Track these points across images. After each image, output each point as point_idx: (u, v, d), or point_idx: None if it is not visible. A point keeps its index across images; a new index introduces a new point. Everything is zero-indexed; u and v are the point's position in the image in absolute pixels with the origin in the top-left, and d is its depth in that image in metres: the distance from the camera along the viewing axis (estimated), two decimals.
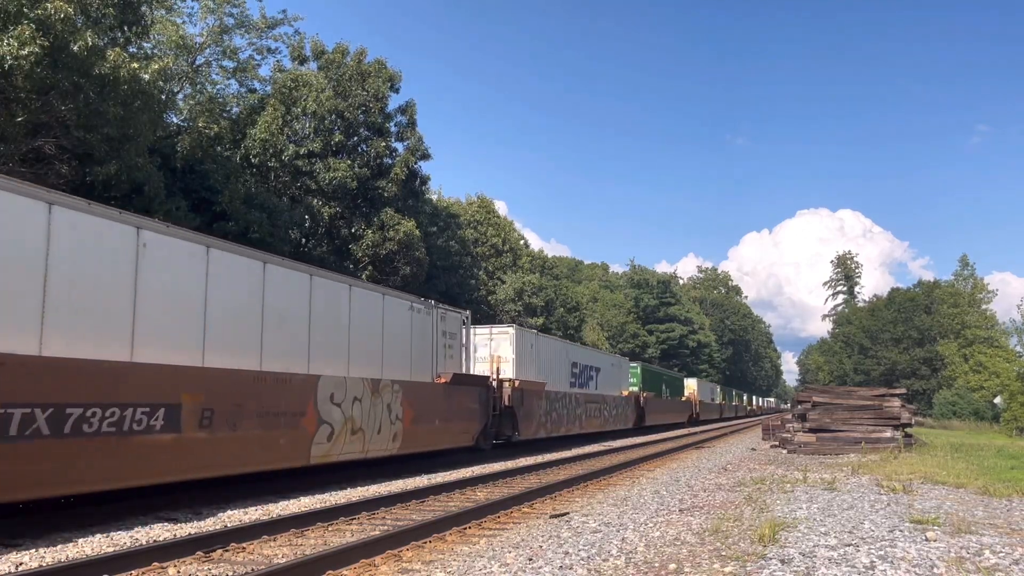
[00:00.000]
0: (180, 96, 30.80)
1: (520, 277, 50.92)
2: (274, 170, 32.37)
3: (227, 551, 7.98)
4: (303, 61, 36.11)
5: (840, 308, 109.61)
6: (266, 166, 31.92)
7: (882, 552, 7.37)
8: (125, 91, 19.48)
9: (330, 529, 9.47)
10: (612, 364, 36.59)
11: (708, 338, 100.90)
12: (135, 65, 19.56)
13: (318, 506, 11.13)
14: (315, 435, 13.27)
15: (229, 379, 11.39)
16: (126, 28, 20.38)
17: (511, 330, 23.71)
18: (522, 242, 59.23)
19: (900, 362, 76.32)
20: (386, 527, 9.51)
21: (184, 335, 10.90)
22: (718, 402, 71.95)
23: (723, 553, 7.39)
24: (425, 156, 37.43)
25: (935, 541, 7.93)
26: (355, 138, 35.15)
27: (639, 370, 42.86)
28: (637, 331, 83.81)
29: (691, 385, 58.64)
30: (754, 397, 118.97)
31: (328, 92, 33.29)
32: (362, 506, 10.93)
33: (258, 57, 33.50)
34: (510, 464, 18.94)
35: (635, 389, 40.12)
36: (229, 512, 10.72)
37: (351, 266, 33.47)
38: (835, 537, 8.24)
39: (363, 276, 32.32)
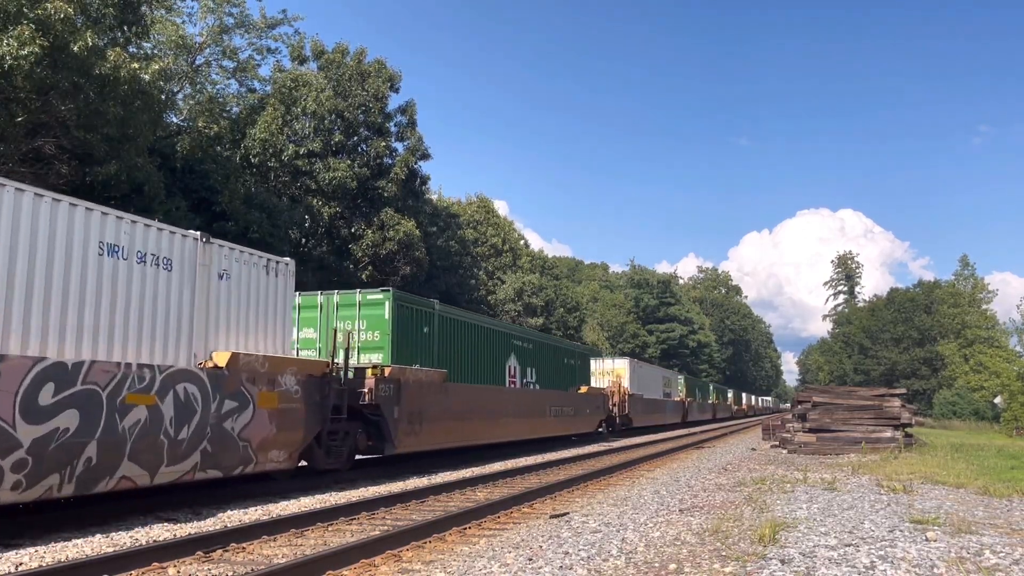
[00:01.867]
0: (180, 96, 30.84)
1: (520, 277, 50.96)
2: (274, 170, 32.39)
3: (227, 551, 7.97)
4: (303, 61, 36.15)
5: (840, 308, 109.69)
6: (266, 166, 31.94)
7: (882, 552, 7.37)
8: (125, 91, 19.50)
9: (330, 529, 9.47)
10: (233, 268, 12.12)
11: (708, 338, 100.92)
12: (135, 65, 19.57)
13: (318, 506, 11.13)
14: None
15: None
16: (126, 28, 20.41)
17: None
18: (522, 242, 59.30)
19: (900, 362, 76.35)
20: (386, 527, 9.50)
21: None
22: (678, 399, 51.00)
23: (723, 553, 7.39)
24: (425, 156, 37.50)
25: (935, 541, 7.93)
26: (355, 138, 35.19)
27: (386, 309, 16.52)
28: (637, 331, 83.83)
29: (617, 369, 36.75)
30: (744, 395, 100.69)
31: (328, 92, 33.32)
32: (362, 506, 10.93)
33: (258, 57, 33.59)
34: (510, 464, 18.94)
35: (363, 359, 16.19)
36: (229, 512, 10.72)
37: (351, 266, 33.49)
38: (835, 537, 8.23)
39: (363, 276, 32.35)
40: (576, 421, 28.30)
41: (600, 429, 32.49)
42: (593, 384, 32.77)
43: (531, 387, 24.76)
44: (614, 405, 34.55)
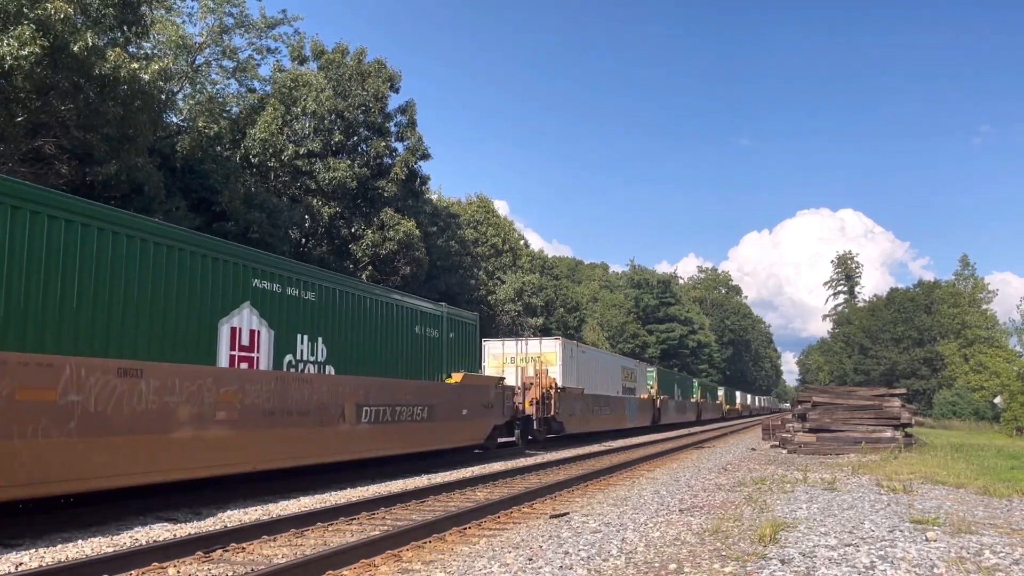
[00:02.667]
0: (180, 96, 30.82)
1: (520, 277, 50.94)
2: (274, 170, 32.39)
3: (227, 551, 7.98)
4: (303, 61, 36.16)
5: (840, 308, 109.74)
6: (266, 166, 31.95)
7: (882, 552, 7.37)
8: (125, 91, 19.50)
9: (330, 529, 9.47)
10: None
11: (708, 338, 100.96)
12: (135, 65, 19.58)
13: (318, 506, 11.13)
14: None
15: None
16: (126, 28, 20.40)
17: None
18: (522, 242, 59.31)
19: (900, 362, 76.36)
20: (386, 527, 9.50)
21: None
22: (645, 396, 41.40)
23: (723, 553, 7.38)
24: (425, 156, 37.50)
25: (935, 541, 7.93)
26: (355, 138, 35.20)
27: None
28: (637, 331, 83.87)
29: (545, 355, 27.16)
30: (738, 393, 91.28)
31: (328, 92, 33.33)
32: (362, 506, 10.93)
33: (258, 57, 33.56)
34: (510, 464, 18.93)
35: None
36: (229, 512, 10.72)
37: (351, 266, 33.49)
38: (835, 537, 8.23)
39: (363, 276, 32.35)
40: (438, 430, 17.50)
41: (513, 439, 23.66)
42: (497, 373, 24.64)
43: (307, 369, 13.78)
44: (533, 403, 24.68)
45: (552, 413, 25.42)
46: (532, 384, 25.18)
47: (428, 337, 18.31)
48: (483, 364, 26.15)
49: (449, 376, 18.95)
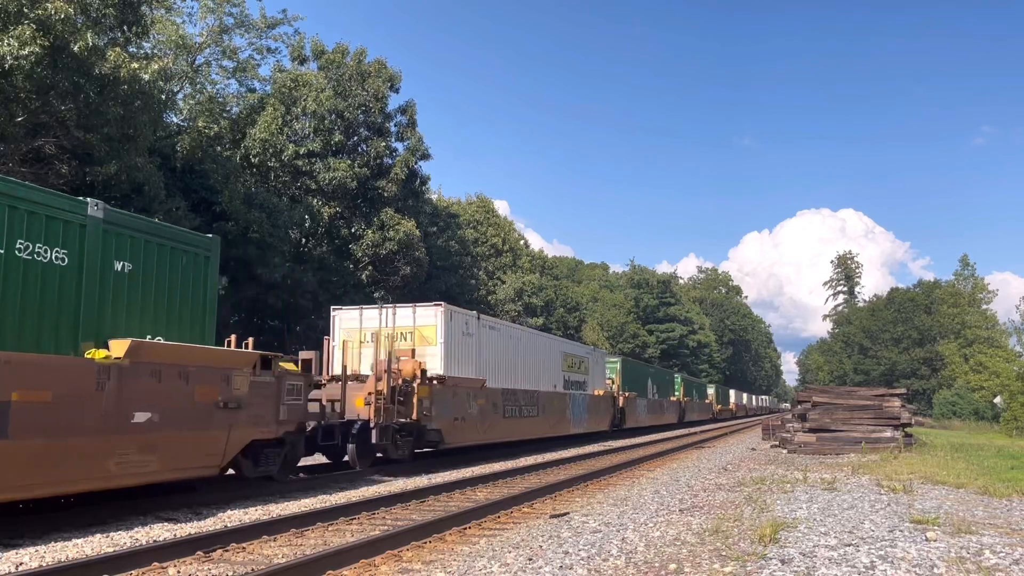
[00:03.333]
0: (180, 96, 30.85)
1: (520, 277, 50.96)
2: (274, 170, 32.41)
3: (227, 551, 7.97)
4: (303, 61, 36.19)
5: (840, 308, 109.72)
6: (266, 166, 31.96)
7: (882, 552, 7.37)
8: (125, 91, 19.53)
9: (330, 529, 9.47)
10: None
11: (708, 338, 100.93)
12: (135, 65, 19.59)
13: (318, 506, 11.13)
14: None
15: None
16: (126, 28, 20.43)
17: None
18: (522, 242, 59.34)
19: (900, 362, 76.39)
20: (386, 527, 9.50)
21: None
22: (600, 392, 31.53)
23: (723, 553, 7.39)
24: (425, 156, 37.53)
25: (935, 541, 7.93)
26: (355, 138, 35.22)
27: None
28: (637, 331, 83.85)
29: (420, 329, 18.53)
30: (732, 392, 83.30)
31: (328, 92, 33.35)
32: (362, 506, 10.93)
33: (258, 57, 33.66)
34: (511, 464, 18.93)
35: None
36: (229, 512, 10.72)
37: (351, 266, 33.50)
38: (835, 537, 8.23)
39: (363, 276, 32.37)
40: (47, 456, 8.39)
41: (347, 458, 15.93)
42: (353, 354, 17.94)
43: None
44: (373, 400, 15.51)
45: (415, 417, 16.51)
46: (378, 376, 15.95)
47: (40, 264, 9.14)
48: (333, 344, 18.86)
49: (102, 346, 9.82)
